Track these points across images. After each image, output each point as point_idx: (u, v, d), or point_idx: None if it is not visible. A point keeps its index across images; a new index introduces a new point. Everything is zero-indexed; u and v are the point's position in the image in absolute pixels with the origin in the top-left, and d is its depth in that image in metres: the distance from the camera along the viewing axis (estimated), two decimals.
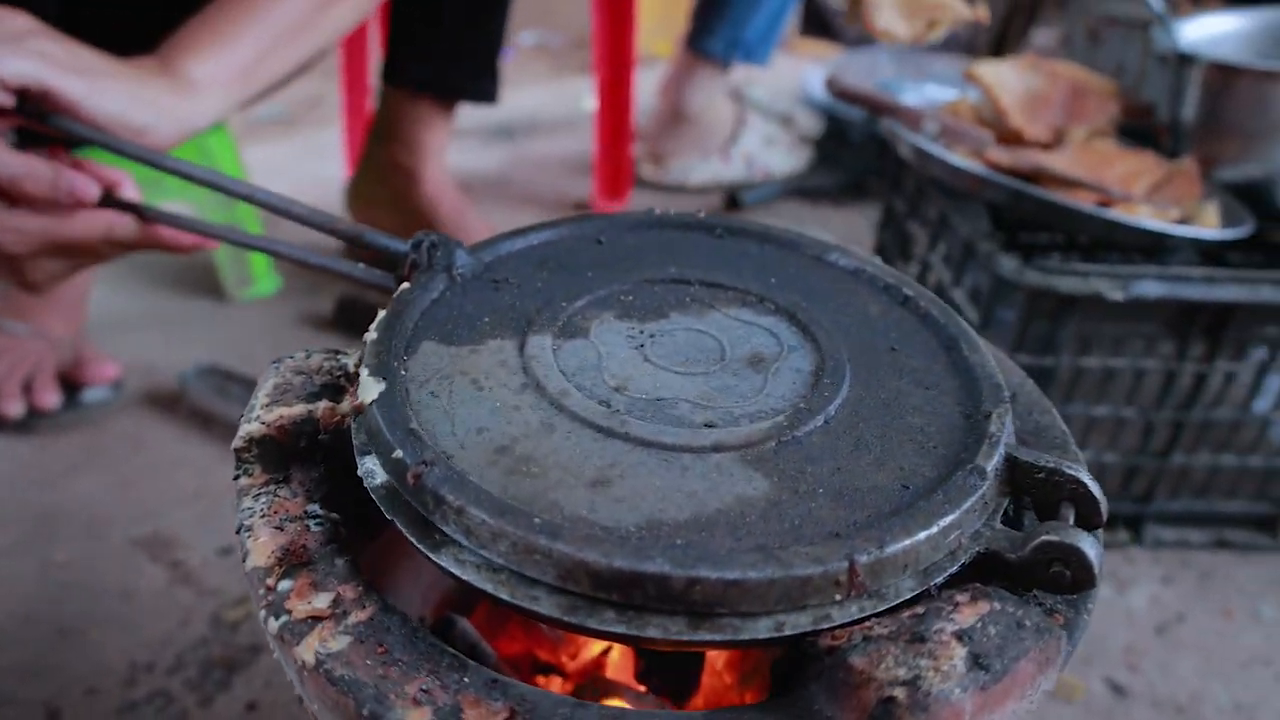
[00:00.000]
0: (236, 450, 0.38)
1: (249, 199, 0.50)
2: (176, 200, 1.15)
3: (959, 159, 0.80)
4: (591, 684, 0.48)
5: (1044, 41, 2.01)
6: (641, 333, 0.42)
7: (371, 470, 0.35)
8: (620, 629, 0.29)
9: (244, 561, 0.35)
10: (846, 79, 0.85)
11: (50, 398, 0.97)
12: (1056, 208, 0.75)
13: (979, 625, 0.29)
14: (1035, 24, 2.46)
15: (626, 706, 0.43)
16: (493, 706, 0.29)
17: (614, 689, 0.47)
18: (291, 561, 0.34)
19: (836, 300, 0.46)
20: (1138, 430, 0.80)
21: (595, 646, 0.53)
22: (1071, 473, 0.35)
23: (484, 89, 1.12)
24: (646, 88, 1.67)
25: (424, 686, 0.29)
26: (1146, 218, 0.76)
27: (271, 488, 0.38)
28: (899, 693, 0.26)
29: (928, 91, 1.68)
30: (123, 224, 0.57)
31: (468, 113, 2.02)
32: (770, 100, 1.75)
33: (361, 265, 0.48)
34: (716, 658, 0.48)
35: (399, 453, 0.34)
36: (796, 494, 0.33)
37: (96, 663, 0.71)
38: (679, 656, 0.50)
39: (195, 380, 1.01)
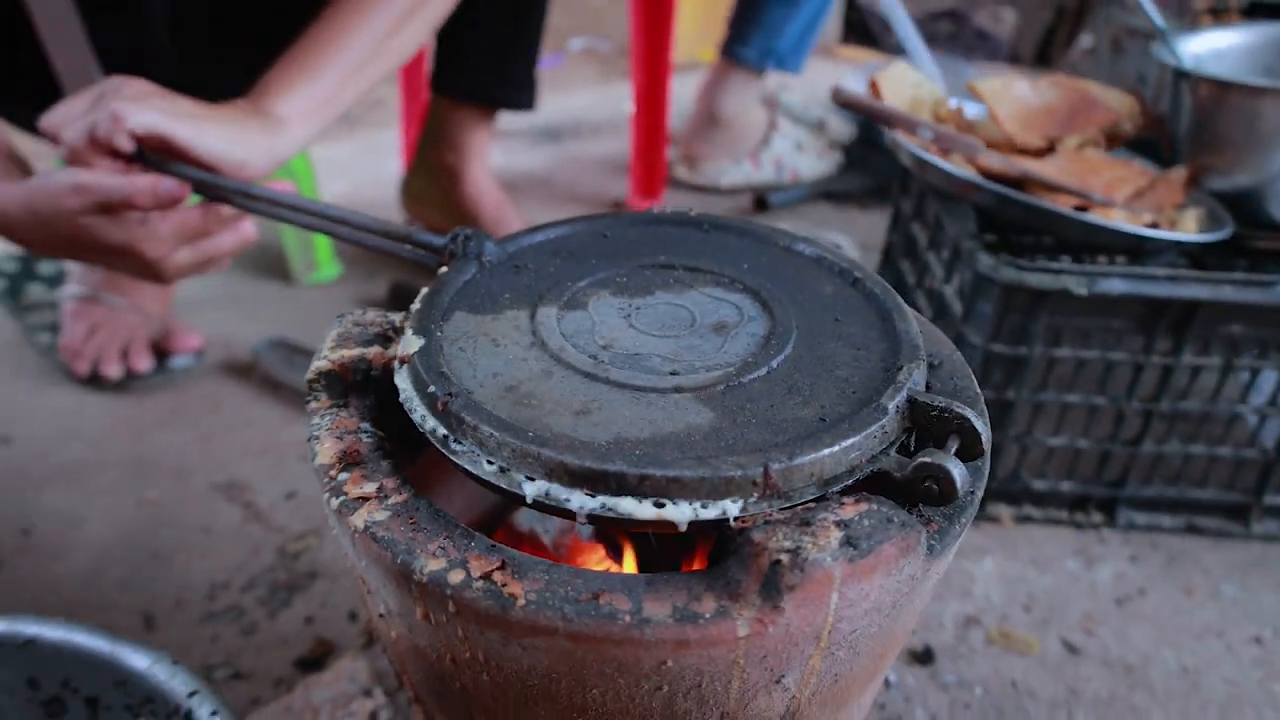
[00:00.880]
0: (309, 380, 0.49)
1: (322, 215, 0.60)
2: None
3: (951, 165, 0.88)
4: None
5: (1089, 48, 2.04)
6: (630, 305, 0.52)
7: (411, 399, 0.45)
8: (589, 509, 0.39)
9: (313, 460, 0.45)
10: (848, 92, 0.94)
11: (143, 363, 1.11)
12: (1037, 210, 0.83)
13: (856, 518, 0.38)
14: (1081, 32, 2.49)
15: None
16: (490, 559, 0.39)
17: None
18: (348, 461, 0.45)
19: (797, 282, 0.55)
20: (1110, 418, 0.87)
21: (596, 568, 0.63)
22: (958, 410, 0.43)
23: (522, 99, 1.23)
24: (687, 93, 1.77)
25: (441, 546, 0.40)
26: (1120, 221, 0.83)
27: (334, 409, 0.48)
28: (784, 558, 0.36)
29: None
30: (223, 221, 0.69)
31: (517, 116, 2.15)
32: (803, 106, 1.83)
33: (409, 246, 0.58)
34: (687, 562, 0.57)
35: (432, 388, 0.44)
36: (734, 423, 0.42)
37: (182, 581, 0.83)
38: (658, 563, 0.60)
39: (265, 352, 1.14)
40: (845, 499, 0.39)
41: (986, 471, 0.46)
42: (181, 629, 0.78)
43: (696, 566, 0.55)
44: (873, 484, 0.42)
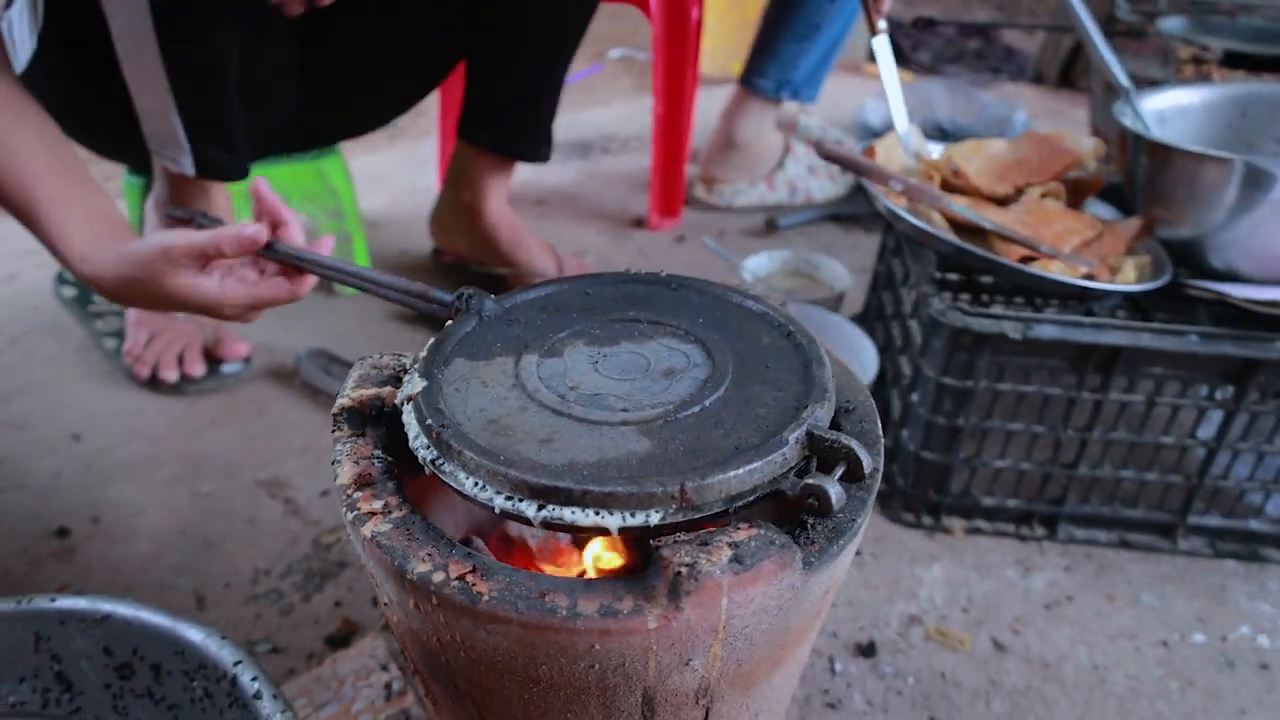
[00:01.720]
0: (334, 415, 0.62)
1: (358, 275, 0.72)
2: (297, 212, 1.42)
3: (914, 217, 0.98)
4: None
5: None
6: (598, 354, 0.63)
7: (413, 429, 0.57)
8: (542, 516, 0.50)
9: (335, 480, 0.58)
10: (831, 146, 1.04)
11: (198, 368, 1.25)
12: (984, 260, 0.93)
13: (745, 540, 0.49)
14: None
15: None
16: (464, 564, 0.51)
17: None
18: (362, 482, 0.57)
19: (740, 334, 0.66)
20: (1050, 443, 0.97)
21: (572, 569, 0.75)
22: (845, 442, 0.54)
23: (537, 153, 1.35)
24: (715, 107, 1.85)
25: (429, 553, 0.52)
26: (1057, 272, 0.92)
27: (353, 439, 0.61)
28: (684, 570, 0.47)
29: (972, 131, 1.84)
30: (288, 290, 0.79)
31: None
32: (821, 129, 1.93)
33: (424, 302, 0.69)
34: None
35: (429, 421, 0.56)
36: (665, 450, 0.53)
37: (230, 567, 0.97)
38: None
39: (306, 360, 1.27)
40: (740, 524, 0.51)
41: (872, 498, 0.57)
42: (228, 608, 0.91)
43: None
44: (772, 499, 0.53)
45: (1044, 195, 1.06)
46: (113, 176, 1.42)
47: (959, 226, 1.03)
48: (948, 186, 1.12)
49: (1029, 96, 2.63)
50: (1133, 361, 0.90)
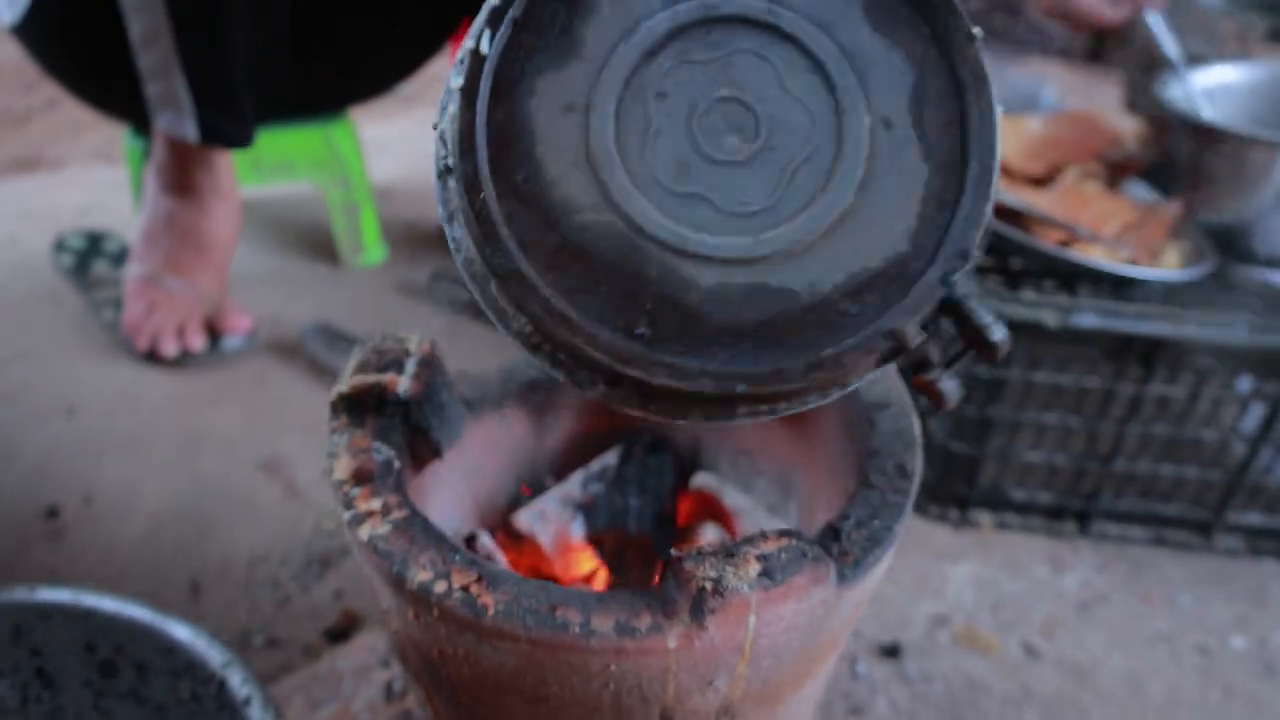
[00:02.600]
0: (331, 403, 0.57)
1: None
2: (299, 180, 1.38)
3: None
4: None
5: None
6: (696, 100, 0.41)
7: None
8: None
9: (331, 474, 0.53)
10: None
11: (198, 342, 1.21)
12: (1021, 245, 0.87)
13: (775, 552, 0.45)
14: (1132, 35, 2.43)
15: None
16: (469, 573, 0.46)
17: None
18: (359, 477, 0.53)
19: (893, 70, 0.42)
20: (1085, 437, 0.92)
21: (584, 566, 0.71)
22: (984, 318, 0.40)
23: None
24: None
25: (430, 559, 0.47)
26: (1097, 257, 0.87)
27: (352, 429, 0.56)
28: (708, 585, 0.43)
29: None
30: None
31: None
32: None
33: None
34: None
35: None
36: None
37: (226, 552, 0.93)
38: (641, 574, 0.68)
39: (310, 335, 1.23)
40: (769, 534, 0.46)
41: (910, 502, 0.52)
42: (224, 597, 0.88)
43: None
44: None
45: (1082, 177, 1.00)
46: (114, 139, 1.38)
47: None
48: None
49: (1056, 72, 2.54)
50: (1176, 353, 0.84)
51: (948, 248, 0.40)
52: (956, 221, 0.40)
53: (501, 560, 0.66)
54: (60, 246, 1.38)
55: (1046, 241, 0.90)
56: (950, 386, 0.41)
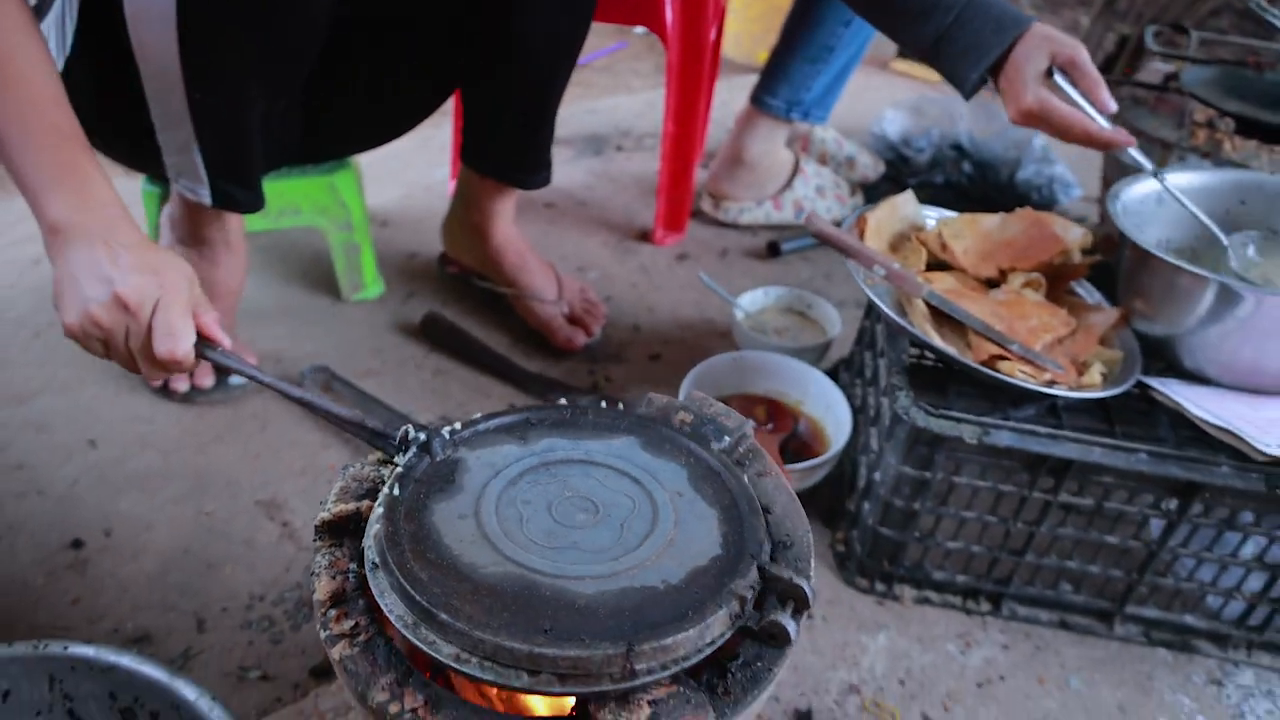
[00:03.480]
0: (316, 527, 0.68)
1: (301, 400, 0.76)
2: (303, 223, 1.47)
3: (888, 309, 1.01)
4: None
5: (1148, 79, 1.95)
6: (550, 499, 0.65)
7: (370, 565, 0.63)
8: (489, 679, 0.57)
9: (313, 593, 0.64)
10: (819, 222, 1.07)
11: (207, 379, 1.31)
12: (951, 359, 0.97)
13: (665, 698, 0.55)
14: (1141, 63, 2.48)
15: None
16: (417, 697, 0.57)
17: None
18: (336, 599, 0.63)
19: (678, 472, 0.70)
20: (1001, 532, 1.02)
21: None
22: (798, 582, 0.60)
23: (535, 181, 1.39)
24: (738, 100, 1.83)
25: (387, 682, 0.58)
26: (1022, 375, 0.96)
27: (332, 550, 0.67)
28: None
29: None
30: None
31: (566, 118, 2.27)
32: (836, 141, 1.94)
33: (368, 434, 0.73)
34: None
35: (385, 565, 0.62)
36: (621, 609, 0.60)
37: (229, 590, 1.05)
38: None
39: (309, 376, 1.34)
40: (663, 683, 0.57)
41: (788, 651, 0.63)
42: (225, 633, 0.99)
43: None
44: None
45: (1024, 284, 1.09)
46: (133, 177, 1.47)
47: (940, 311, 1.06)
48: (936, 261, 1.15)
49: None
50: (1084, 471, 0.94)
51: (748, 544, 0.63)
52: (746, 530, 0.64)
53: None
54: None
55: (981, 353, 0.98)
56: (790, 626, 0.59)
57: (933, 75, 2.48)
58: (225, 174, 1.14)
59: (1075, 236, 1.13)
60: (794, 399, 1.26)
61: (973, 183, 1.93)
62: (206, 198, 1.16)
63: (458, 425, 0.74)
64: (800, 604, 0.61)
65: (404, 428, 0.72)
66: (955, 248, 1.13)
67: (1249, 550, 0.99)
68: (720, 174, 1.83)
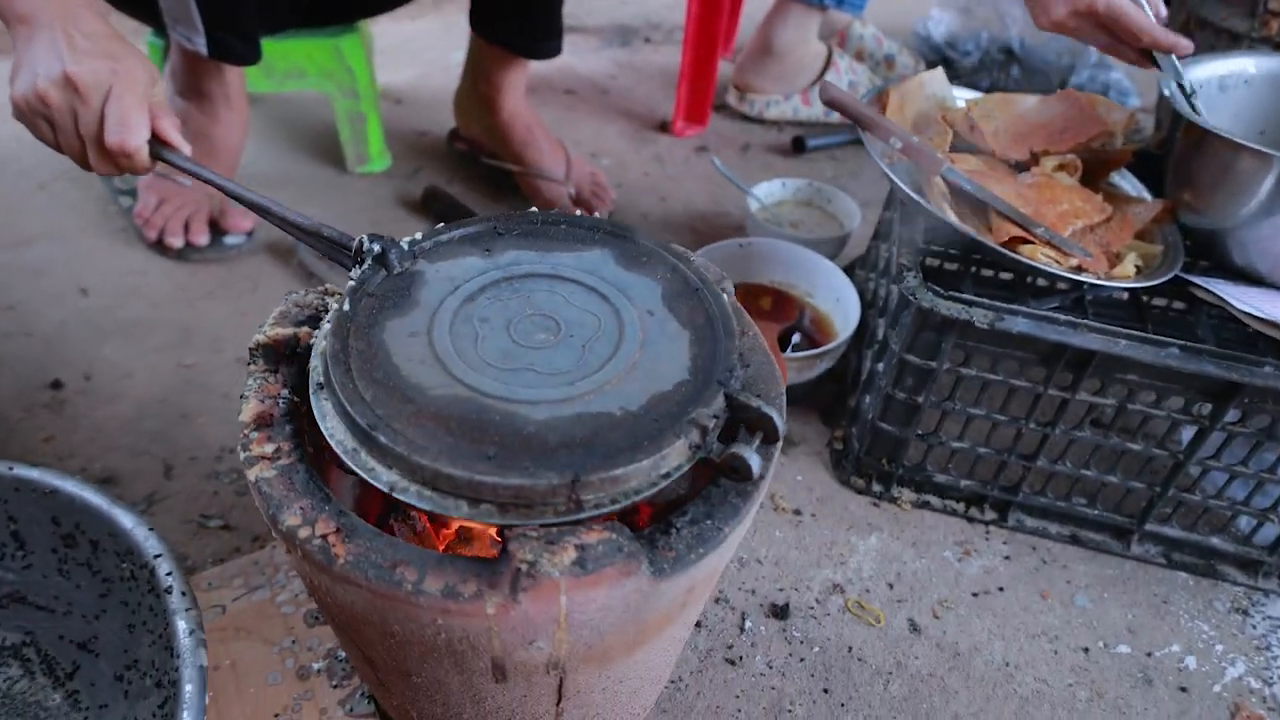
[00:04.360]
0: (250, 349, 0.63)
1: (255, 204, 0.72)
2: (308, 87, 1.41)
3: (903, 182, 0.92)
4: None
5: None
6: (510, 315, 0.62)
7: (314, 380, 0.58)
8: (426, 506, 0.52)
9: (239, 416, 0.60)
10: (835, 89, 0.97)
11: (202, 237, 1.28)
12: (969, 240, 0.88)
13: (594, 543, 0.50)
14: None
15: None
16: (330, 524, 0.53)
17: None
18: (261, 422, 0.59)
19: (651, 288, 0.64)
20: (1011, 433, 0.95)
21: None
22: (766, 411, 0.54)
23: (547, 49, 1.31)
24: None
25: (301, 507, 0.54)
26: (1045, 259, 0.87)
27: (265, 375, 0.62)
28: (524, 566, 0.49)
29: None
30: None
31: (595, 8, 2.17)
32: (874, 40, 1.81)
33: (323, 241, 0.69)
34: None
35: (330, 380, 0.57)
36: (571, 436, 0.54)
37: (200, 440, 1.02)
38: None
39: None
40: (593, 524, 0.51)
41: (750, 507, 0.57)
42: (191, 481, 0.97)
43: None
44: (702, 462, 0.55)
45: (1057, 168, 0.99)
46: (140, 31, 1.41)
47: (960, 193, 0.98)
48: (964, 143, 1.05)
49: None
50: (1107, 366, 0.86)
51: (717, 369, 0.57)
52: (718, 354, 0.58)
53: None
54: None
55: (1002, 236, 0.90)
56: (753, 459, 0.53)
57: None
58: (222, 24, 1.08)
59: (1118, 118, 1.02)
60: (802, 290, 1.19)
61: (1020, 89, 1.80)
62: (203, 47, 1.10)
63: (418, 235, 0.68)
64: (769, 435, 0.55)
65: (359, 237, 0.66)
66: (985, 128, 1.03)
67: None
68: (747, 64, 1.72)
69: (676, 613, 0.59)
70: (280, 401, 0.61)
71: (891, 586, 0.93)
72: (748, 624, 0.88)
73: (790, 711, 0.81)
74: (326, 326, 0.60)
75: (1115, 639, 0.91)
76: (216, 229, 1.29)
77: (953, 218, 0.90)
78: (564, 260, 0.67)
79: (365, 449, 0.54)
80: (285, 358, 0.64)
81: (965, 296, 0.86)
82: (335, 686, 0.78)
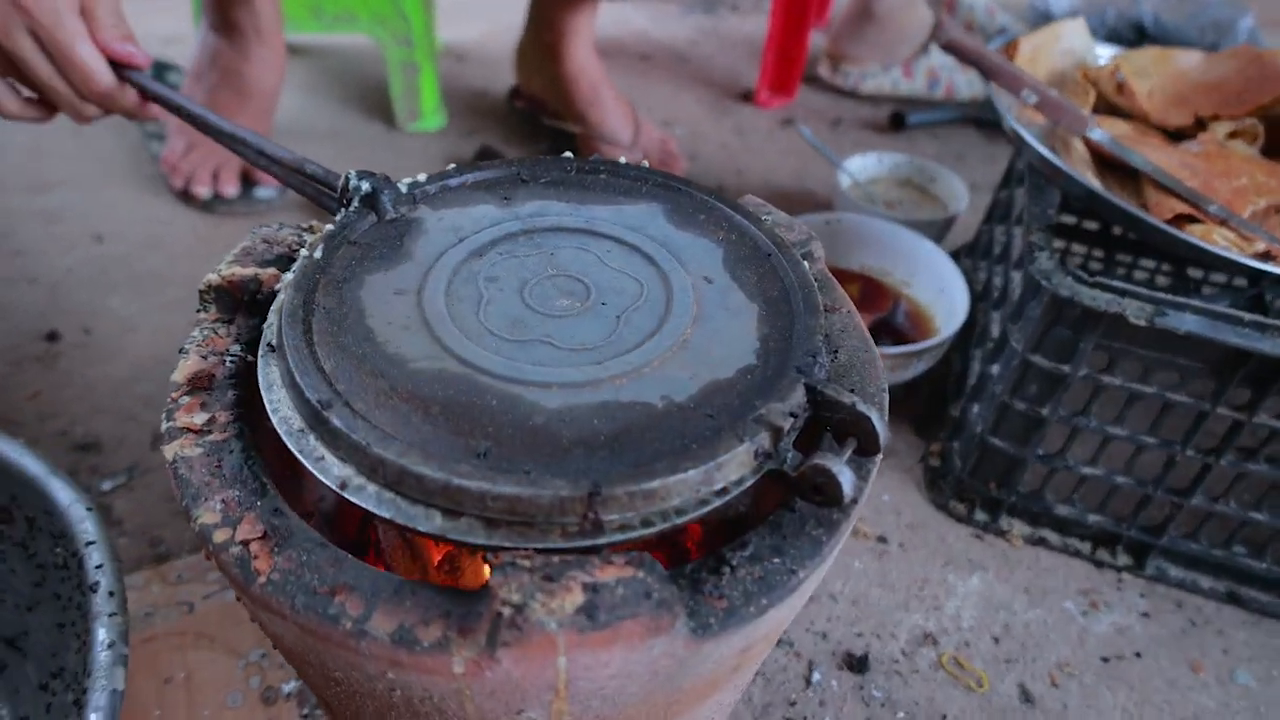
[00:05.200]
0: (199, 291, 0.49)
1: (231, 136, 0.58)
2: (359, 33, 1.29)
3: (1042, 142, 0.75)
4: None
5: None
6: (527, 275, 0.47)
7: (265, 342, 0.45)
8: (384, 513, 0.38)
9: (173, 374, 0.46)
10: (956, 32, 0.80)
11: (231, 189, 1.16)
12: (1121, 212, 0.70)
13: (611, 583, 0.35)
14: None
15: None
16: (257, 527, 0.39)
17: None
18: (197, 385, 0.45)
19: (713, 254, 0.49)
20: (1160, 460, 0.76)
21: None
22: (861, 409, 0.39)
23: None
24: None
25: (224, 499, 0.40)
26: (1220, 242, 0.69)
27: (216, 325, 0.49)
28: (506, 612, 0.34)
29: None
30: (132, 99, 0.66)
31: None
32: (986, 10, 1.62)
33: (304, 180, 0.55)
34: None
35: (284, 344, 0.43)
36: (591, 431, 0.39)
37: None
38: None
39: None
40: (614, 558, 0.36)
41: (837, 540, 0.41)
42: None
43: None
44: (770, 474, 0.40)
45: (1232, 135, 0.80)
46: None
47: (1105, 161, 0.79)
48: (1107, 106, 0.87)
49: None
50: None
51: (795, 353, 0.43)
52: (796, 334, 0.44)
53: None
54: None
55: (1161, 213, 0.72)
56: (844, 477, 0.37)
57: None
58: None
59: None
60: (898, 278, 1.01)
61: None
62: None
63: (422, 177, 0.54)
64: (866, 445, 0.40)
65: (346, 174, 0.53)
66: (1138, 88, 0.84)
67: None
68: (844, 31, 1.53)
69: (725, 677, 0.44)
70: (227, 360, 0.47)
71: (998, 641, 0.75)
72: (815, 676, 0.71)
73: None
74: (290, 276, 0.46)
75: None
76: (248, 180, 1.18)
77: (1098, 186, 0.72)
78: (600, 214, 0.52)
79: (315, 432, 0.40)
80: (244, 305, 0.50)
81: (1115, 284, 0.68)
82: (305, 716, 0.64)
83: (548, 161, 0.56)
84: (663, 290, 0.47)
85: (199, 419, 0.43)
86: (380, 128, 1.37)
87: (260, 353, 0.45)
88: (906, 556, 0.81)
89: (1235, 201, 0.73)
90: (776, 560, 0.39)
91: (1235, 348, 0.66)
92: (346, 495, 0.38)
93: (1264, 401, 0.68)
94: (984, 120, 1.49)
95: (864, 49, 1.52)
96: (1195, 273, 0.90)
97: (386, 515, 0.37)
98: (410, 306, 0.45)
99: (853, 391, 0.46)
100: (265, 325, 0.46)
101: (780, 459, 0.39)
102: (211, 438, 0.43)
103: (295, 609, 0.36)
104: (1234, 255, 0.67)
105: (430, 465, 0.36)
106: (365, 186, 0.51)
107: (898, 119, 1.45)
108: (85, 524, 0.57)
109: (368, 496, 0.38)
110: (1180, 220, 0.72)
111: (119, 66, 0.64)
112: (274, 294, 0.49)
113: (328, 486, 0.39)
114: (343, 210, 0.52)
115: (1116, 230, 0.82)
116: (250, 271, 0.50)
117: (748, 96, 1.54)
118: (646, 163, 1.22)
